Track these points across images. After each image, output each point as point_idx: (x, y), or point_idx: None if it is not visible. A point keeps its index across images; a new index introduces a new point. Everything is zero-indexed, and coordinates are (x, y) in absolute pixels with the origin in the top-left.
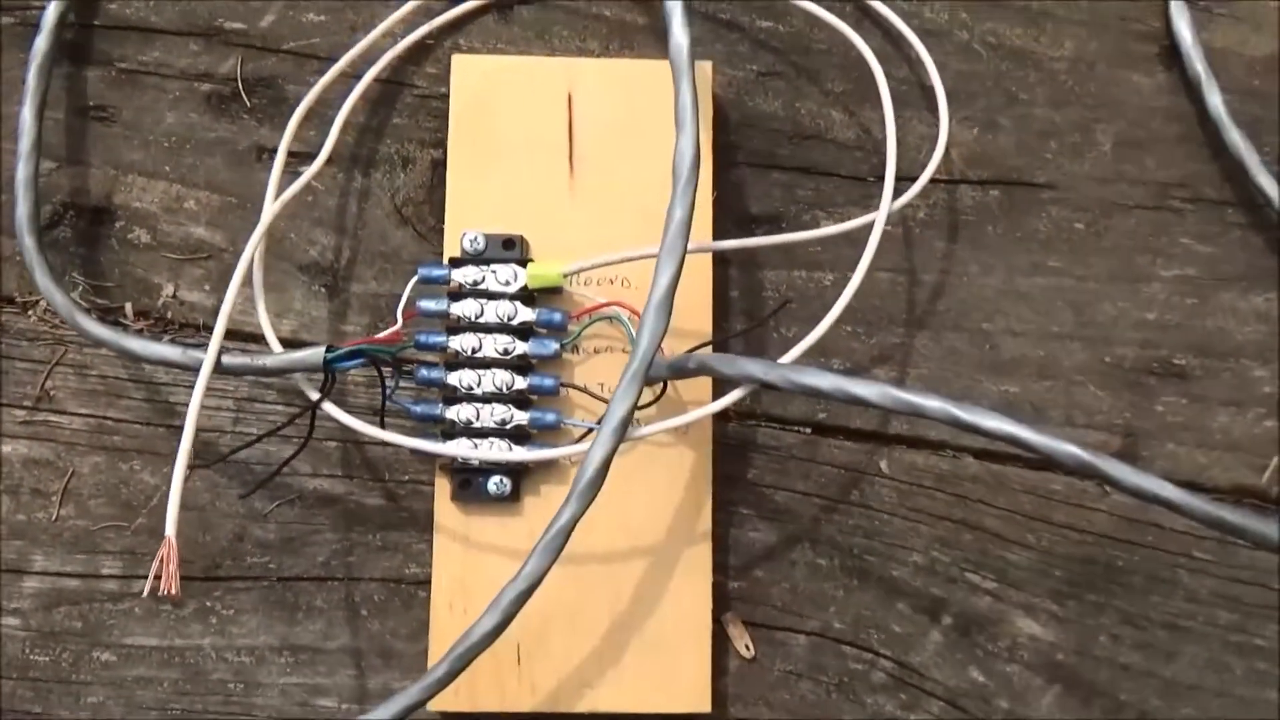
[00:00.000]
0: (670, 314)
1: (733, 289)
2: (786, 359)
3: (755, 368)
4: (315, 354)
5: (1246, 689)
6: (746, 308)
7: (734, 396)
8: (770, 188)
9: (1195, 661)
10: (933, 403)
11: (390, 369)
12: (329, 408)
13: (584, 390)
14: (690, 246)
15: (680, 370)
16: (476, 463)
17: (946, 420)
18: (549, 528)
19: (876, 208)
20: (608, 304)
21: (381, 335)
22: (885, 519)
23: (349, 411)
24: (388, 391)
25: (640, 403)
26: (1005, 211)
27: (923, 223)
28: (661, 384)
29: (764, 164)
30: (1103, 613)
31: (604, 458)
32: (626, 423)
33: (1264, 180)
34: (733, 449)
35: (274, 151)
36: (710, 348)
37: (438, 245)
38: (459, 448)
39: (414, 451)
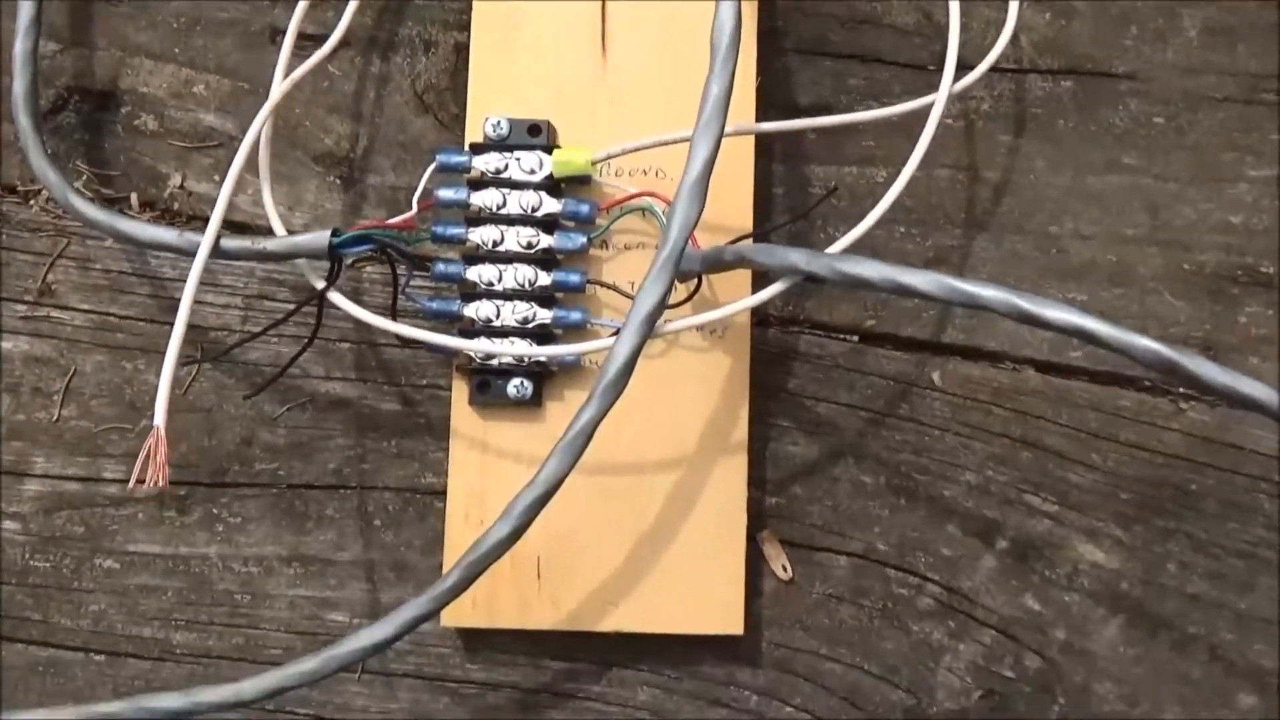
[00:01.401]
0: (704, 199)
1: (777, 185)
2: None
3: (798, 257)
4: (320, 237)
5: None
6: (791, 205)
7: (774, 290)
8: (820, 76)
9: (1272, 594)
10: (992, 292)
11: (403, 259)
12: (335, 297)
13: (613, 288)
14: (728, 129)
15: (715, 262)
16: (495, 363)
17: (1008, 311)
18: (568, 429)
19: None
20: (640, 194)
21: (395, 220)
22: (936, 435)
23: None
24: (401, 284)
25: (672, 300)
26: (1078, 104)
27: (986, 115)
28: (696, 280)
29: (813, 50)
30: (1172, 539)
31: (629, 354)
32: (655, 317)
33: None
34: (773, 357)
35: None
36: (750, 242)
37: (460, 134)
38: (475, 344)
39: (428, 348)
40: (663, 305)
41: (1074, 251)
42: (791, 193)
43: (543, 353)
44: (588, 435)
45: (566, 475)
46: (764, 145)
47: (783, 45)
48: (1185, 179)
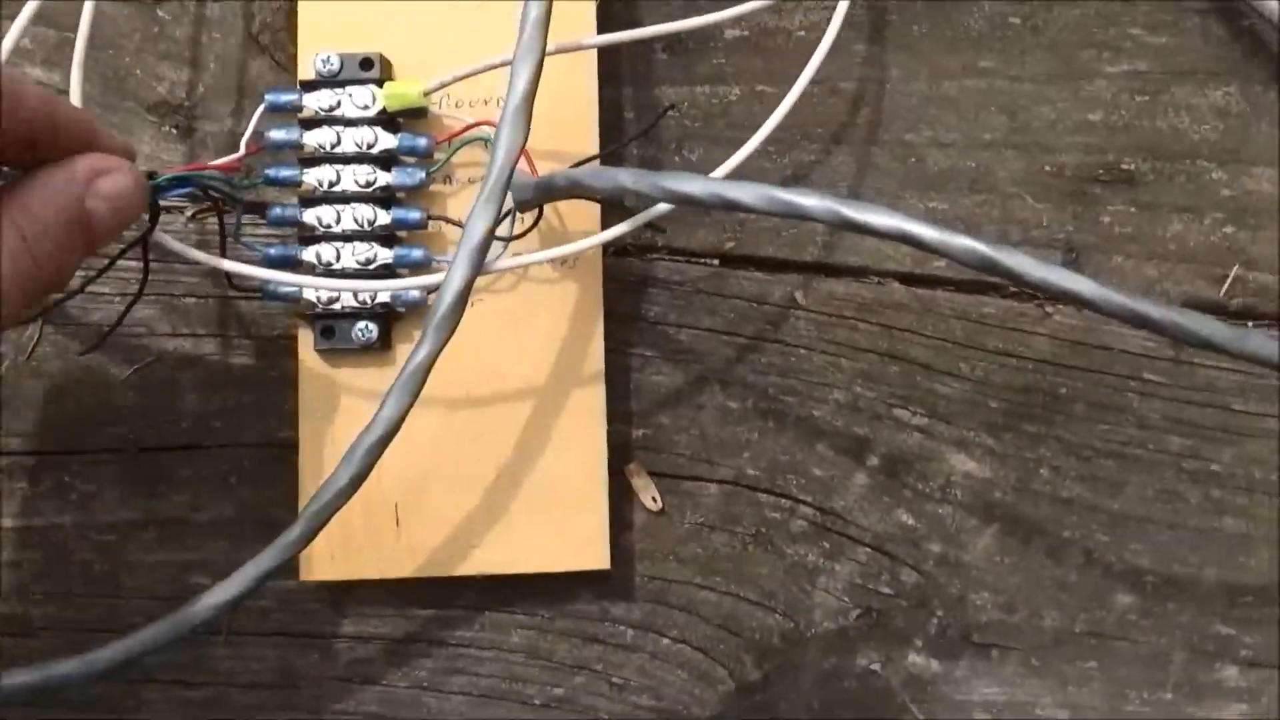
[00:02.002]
0: (528, 125)
1: (628, 109)
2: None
3: (626, 178)
4: None
5: (1200, 519)
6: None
7: (621, 229)
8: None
9: (1144, 493)
10: (814, 201)
11: (229, 201)
12: (165, 239)
13: (455, 222)
14: (556, 45)
15: (549, 189)
16: (339, 307)
17: (831, 219)
18: (404, 367)
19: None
20: (475, 124)
21: (217, 162)
22: (803, 354)
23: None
24: (229, 230)
25: (516, 231)
26: (931, 8)
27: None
28: (536, 211)
29: None
30: (1043, 444)
31: (460, 287)
32: (484, 248)
33: None
34: (631, 285)
35: None
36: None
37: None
38: (301, 279)
39: (264, 294)
40: (491, 236)
41: (933, 160)
42: (643, 116)
43: (363, 287)
44: (424, 372)
45: (405, 415)
46: (612, 69)
47: None
48: (1043, 79)
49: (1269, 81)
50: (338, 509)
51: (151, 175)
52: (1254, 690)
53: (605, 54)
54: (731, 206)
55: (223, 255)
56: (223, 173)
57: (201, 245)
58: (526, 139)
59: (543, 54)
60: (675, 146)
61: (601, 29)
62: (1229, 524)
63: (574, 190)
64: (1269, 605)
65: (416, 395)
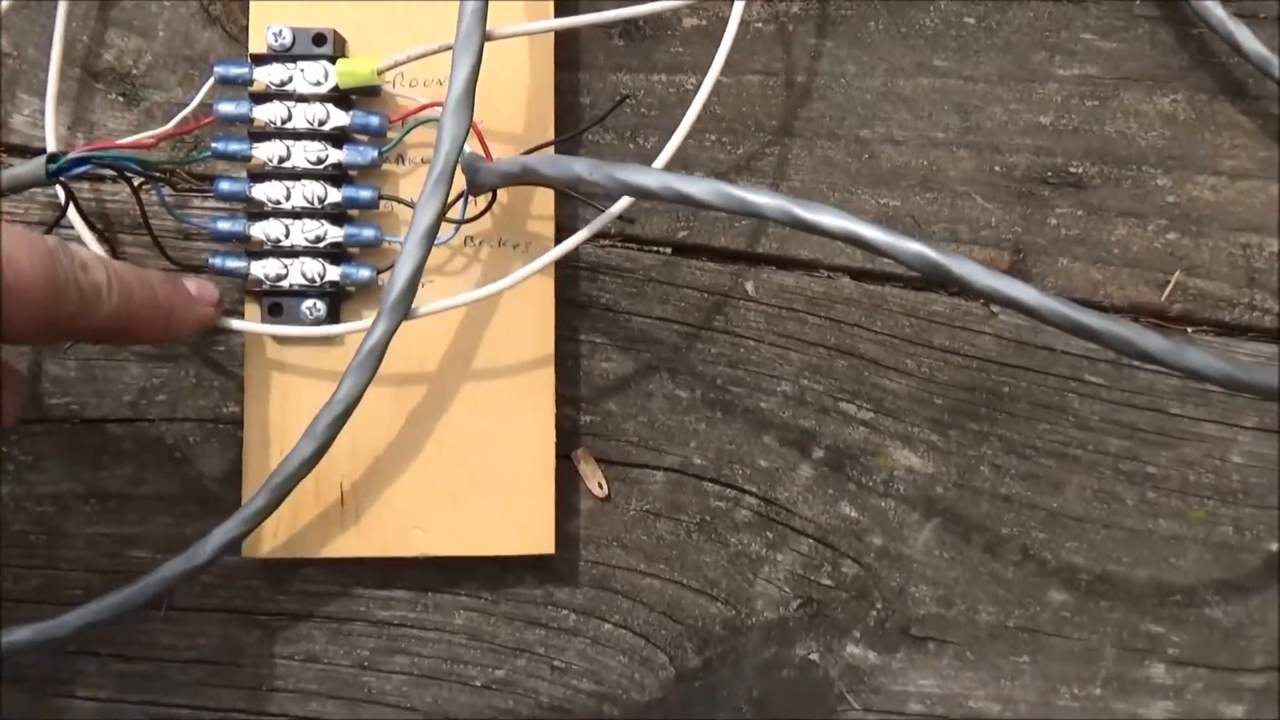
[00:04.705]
0: (471, 113)
1: (584, 96)
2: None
3: (581, 167)
4: (36, 165)
5: (1136, 520)
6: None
7: (579, 238)
8: None
9: (1082, 492)
10: (767, 199)
11: (148, 179)
12: (75, 221)
13: (407, 203)
14: (510, 29)
15: (503, 175)
16: (287, 284)
17: (783, 218)
18: (360, 346)
19: (754, 7)
20: (429, 105)
21: (128, 140)
22: (751, 346)
23: (155, 235)
24: (169, 204)
25: (469, 214)
26: (888, 5)
27: (796, 18)
28: (490, 194)
29: None
30: (985, 442)
31: (413, 269)
32: (433, 232)
33: None
34: (583, 271)
35: None
36: (552, 152)
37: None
38: (263, 268)
39: (210, 269)
40: (440, 219)
41: (885, 156)
42: (599, 103)
43: (285, 271)
44: (380, 352)
45: (363, 392)
46: (571, 56)
47: None
48: (995, 79)
49: (1215, 90)
50: (299, 480)
51: (51, 158)
52: (1180, 687)
53: (564, 39)
54: (685, 201)
55: (148, 227)
56: (136, 149)
57: (154, 218)
58: (469, 127)
59: (482, 43)
60: (630, 134)
61: (560, 14)
62: (1163, 525)
63: (528, 177)
64: (1197, 605)
65: (373, 373)
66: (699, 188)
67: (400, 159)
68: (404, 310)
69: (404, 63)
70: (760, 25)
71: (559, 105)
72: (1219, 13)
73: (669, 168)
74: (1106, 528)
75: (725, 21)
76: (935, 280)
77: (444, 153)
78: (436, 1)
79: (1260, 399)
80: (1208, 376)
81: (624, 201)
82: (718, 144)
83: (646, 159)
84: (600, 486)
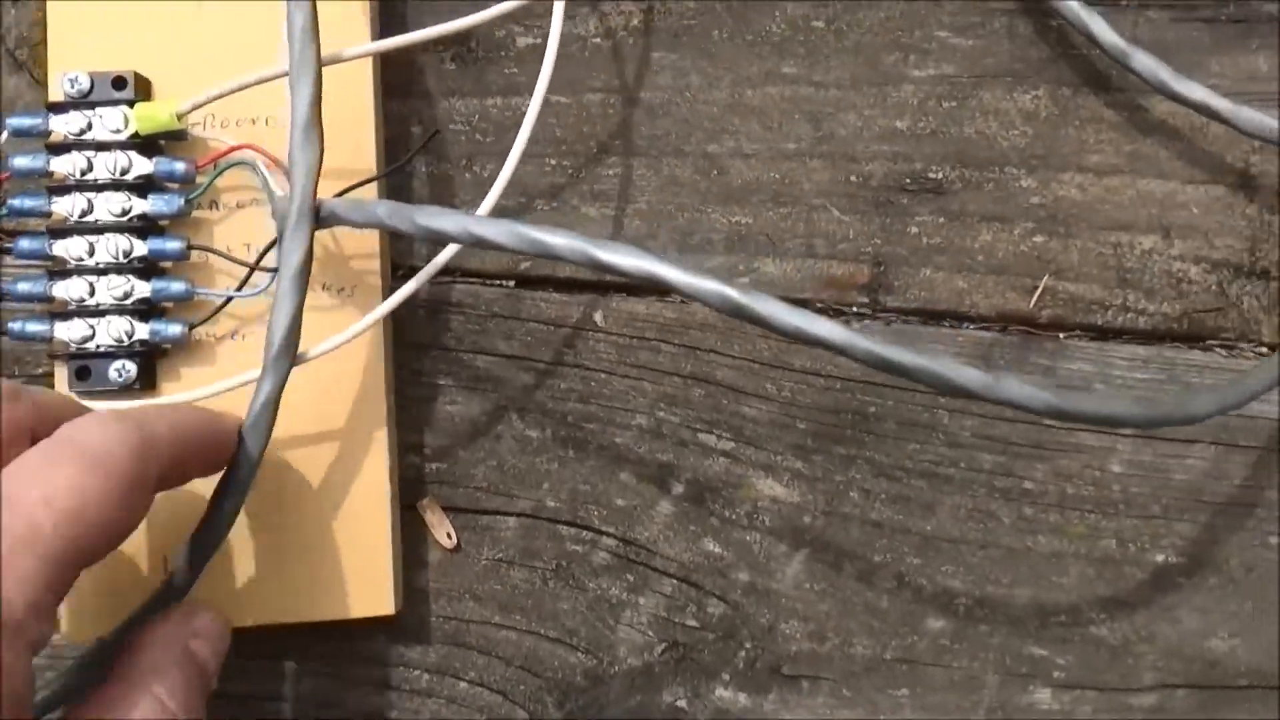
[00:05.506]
0: (321, 136)
1: (415, 124)
2: (483, 207)
3: (382, 210)
4: None
5: (1012, 538)
6: (431, 144)
7: (409, 288)
8: (458, 5)
9: (956, 513)
10: (563, 240)
11: None
12: None
13: (219, 253)
14: (331, 55)
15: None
16: (94, 346)
17: (581, 260)
18: (250, 410)
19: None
20: (237, 147)
21: None
22: (603, 379)
23: None
24: None
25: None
26: (733, 12)
27: (636, 31)
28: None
29: None
30: (852, 466)
31: (290, 315)
32: (306, 271)
33: None
34: (422, 309)
35: None
36: (376, 189)
37: None
38: (68, 330)
39: (8, 333)
40: (310, 257)
41: (735, 171)
42: (431, 130)
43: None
44: (272, 411)
45: (260, 459)
46: (401, 82)
47: None
48: (847, 84)
49: (1077, 84)
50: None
51: None
52: (1067, 711)
53: (392, 66)
54: (482, 244)
55: None
56: None
57: None
58: (321, 154)
59: (319, 64)
60: (465, 163)
61: (383, 35)
62: (1042, 542)
63: (332, 221)
64: (1081, 624)
65: (269, 435)
66: (494, 230)
67: (214, 204)
68: (289, 361)
69: (204, 103)
70: (598, 40)
71: (388, 135)
72: (1073, 4)
73: (505, 195)
74: (983, 548)
75: (561, 39)
76: (741, 319)
77: (300, 187)
78: (249, 39)
79: (1092, 428)
80: (1030, 409)
81: (452, 248)
82: (558, 168)
83: (483, 187)
84: (449, 537)
